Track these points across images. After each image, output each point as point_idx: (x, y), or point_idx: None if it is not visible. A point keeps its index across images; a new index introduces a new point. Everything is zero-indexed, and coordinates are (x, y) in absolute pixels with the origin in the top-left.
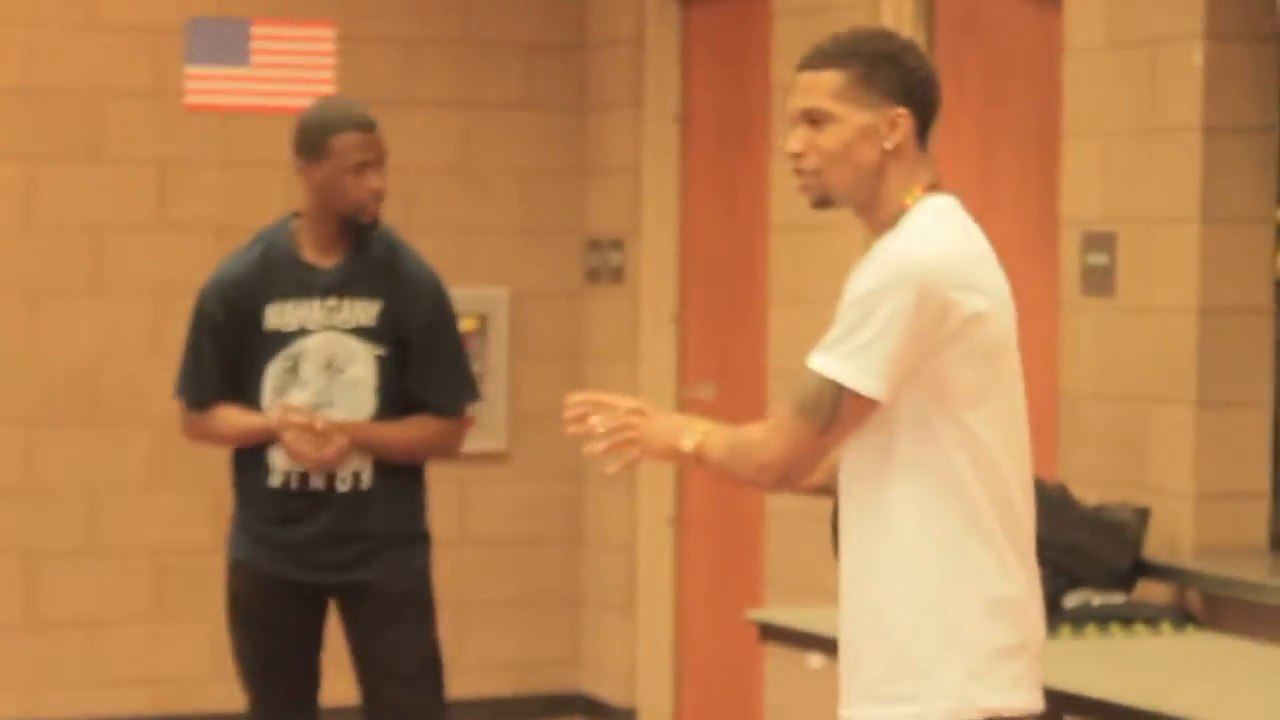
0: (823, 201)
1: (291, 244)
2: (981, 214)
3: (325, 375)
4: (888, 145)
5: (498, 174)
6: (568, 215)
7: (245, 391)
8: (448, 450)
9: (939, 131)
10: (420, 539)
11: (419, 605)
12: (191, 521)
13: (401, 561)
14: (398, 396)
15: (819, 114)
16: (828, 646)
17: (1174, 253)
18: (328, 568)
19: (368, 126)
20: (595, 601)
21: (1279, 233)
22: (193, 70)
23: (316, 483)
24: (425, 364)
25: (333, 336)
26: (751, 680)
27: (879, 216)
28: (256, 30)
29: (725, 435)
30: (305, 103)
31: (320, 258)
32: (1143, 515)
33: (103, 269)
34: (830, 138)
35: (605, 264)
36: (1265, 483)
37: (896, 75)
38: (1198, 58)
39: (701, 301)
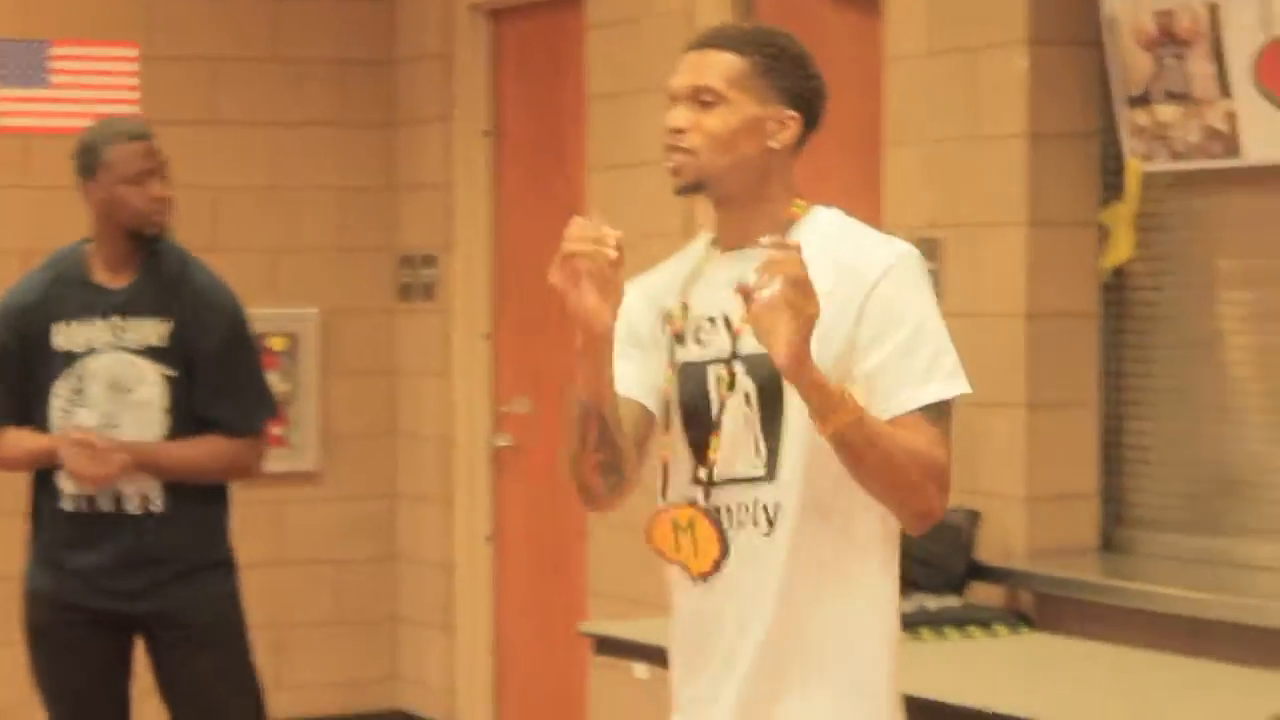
0: (692, 186)
1: (83, 266)
2: None
3: (111, 396)
4: (773, 144)
5: (307, 192)
6: (378, 232)
7: (35, 413)
8: (245, 470)
9: None
10: (223, 565)
11: (227, 633)
12: (6, 546)
13: (203, 589)
14: (194, 417)
15: (710, 93)
16: (653, 656)
17: (1000, 258)
18: (124, 596)
19: (140, 136)
20: (413, 619)
21: (1102, 235)
22: None
23: (104, 505)
24: (217, 383)
25: (120, 357)
26: (572, 693)
27: (751, 214)
28: (56, 51)
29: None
30: None
31: (110, 279)
32: (974, 518)
33: None
34: (717, 120)
35: (417, 280)
36: (1094, 484)
37: (796, 77)
38: (1022, 63)
39: (516, 316)
